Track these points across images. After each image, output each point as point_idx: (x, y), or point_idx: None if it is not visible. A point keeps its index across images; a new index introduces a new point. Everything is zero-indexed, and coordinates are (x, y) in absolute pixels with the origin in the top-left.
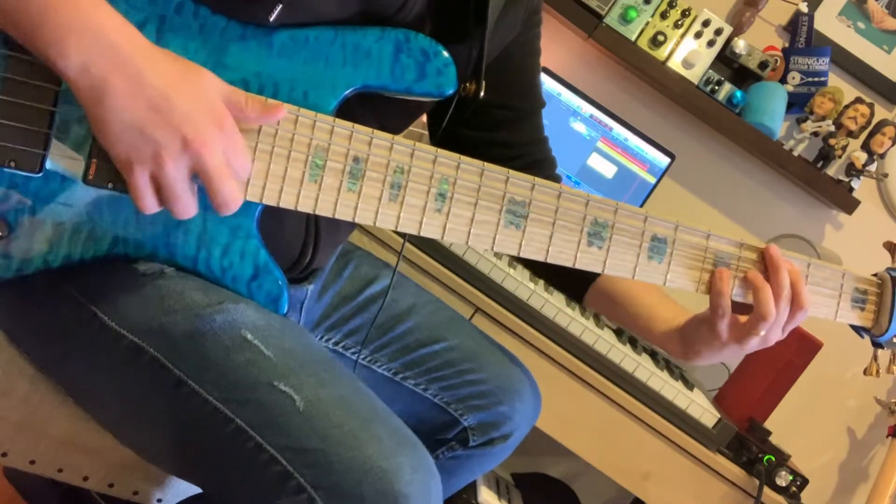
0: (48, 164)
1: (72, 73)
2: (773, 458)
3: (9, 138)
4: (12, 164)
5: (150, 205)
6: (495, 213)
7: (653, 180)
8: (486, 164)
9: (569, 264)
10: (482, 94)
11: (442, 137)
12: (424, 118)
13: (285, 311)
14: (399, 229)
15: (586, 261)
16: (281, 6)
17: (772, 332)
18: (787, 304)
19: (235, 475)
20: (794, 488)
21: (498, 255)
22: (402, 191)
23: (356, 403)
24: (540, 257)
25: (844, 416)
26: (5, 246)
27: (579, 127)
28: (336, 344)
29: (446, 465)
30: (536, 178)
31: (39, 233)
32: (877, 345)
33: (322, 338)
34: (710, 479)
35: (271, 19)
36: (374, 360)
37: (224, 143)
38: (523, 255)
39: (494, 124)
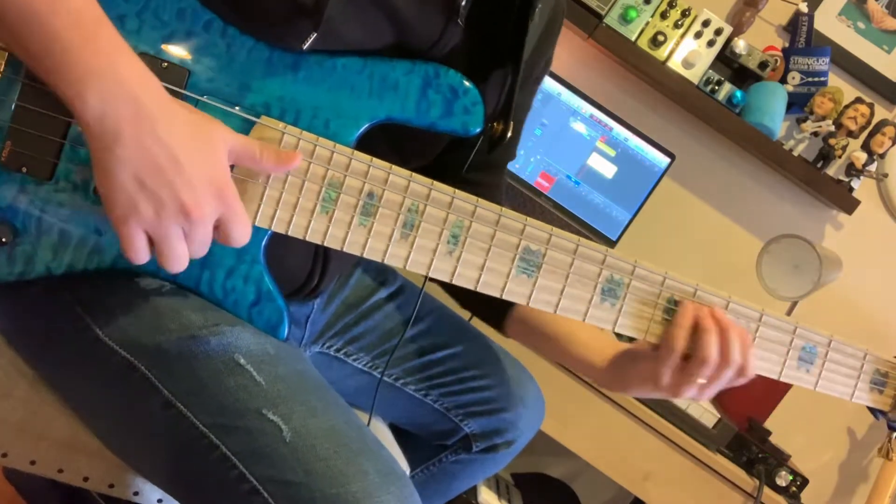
0: (59, 173)
1: (86, 116)
2: (773, 458)
3: (23, 144)
4: (24, 169)
5: (143, 256)
6: (508, 260)
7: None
8: (503, 209)
9: (579, 318)
10: (510, 134)
11: (424, 163)
12: None
13: (284, 337)
14: (408, 269)
15: (598, 317)
16: (315, 35)
17: (708, 388)
18: (734, 373)
19: (217, 502)
20: (794, 488)
21: None
22: (414, 230)
23: (345, 435)
24: (550, 309)
25: (844, 416)
26: (10, 250)
27: (579, 127)
28: (338, 351)
29: (449, 469)
30: (554, 228)
31: (45, 240)
32: (893, 428)
33: (325, 345)
34: (710, 479)
35: (304, 48)
36: (375, 366)
37: (221, 212)
38: (533, 305)
39: (469, 165)
